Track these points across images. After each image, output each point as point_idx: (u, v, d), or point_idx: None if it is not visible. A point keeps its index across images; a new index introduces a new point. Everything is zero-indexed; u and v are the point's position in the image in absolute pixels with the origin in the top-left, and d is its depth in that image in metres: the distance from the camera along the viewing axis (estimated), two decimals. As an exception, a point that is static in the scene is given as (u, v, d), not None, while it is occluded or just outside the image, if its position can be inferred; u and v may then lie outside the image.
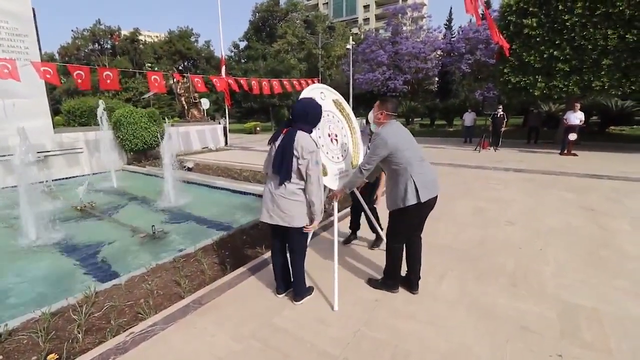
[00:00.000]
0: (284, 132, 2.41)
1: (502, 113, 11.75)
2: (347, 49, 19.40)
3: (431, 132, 20.57)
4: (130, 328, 2.39)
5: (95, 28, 42.27)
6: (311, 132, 2.46)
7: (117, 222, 5.51)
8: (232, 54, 42.48)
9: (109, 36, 43.27)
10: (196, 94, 15.62)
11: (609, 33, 9.92)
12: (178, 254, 3.69)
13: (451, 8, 37.49)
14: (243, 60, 38.14)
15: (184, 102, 15.58)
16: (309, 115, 2.43)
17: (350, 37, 18.07)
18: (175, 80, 15.54)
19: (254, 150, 13.92)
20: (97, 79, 9.40)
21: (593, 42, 10.24)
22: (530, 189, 6.13)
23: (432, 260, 3.24)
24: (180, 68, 43.61)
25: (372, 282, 2.93)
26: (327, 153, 3.02)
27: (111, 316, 2.57)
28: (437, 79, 26.95)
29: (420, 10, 28.04)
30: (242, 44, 42.64)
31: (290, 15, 38.36)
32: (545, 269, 3.14)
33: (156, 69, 37.64)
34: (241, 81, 14.59)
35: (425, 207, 2.57)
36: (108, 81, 9.61)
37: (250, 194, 6.94)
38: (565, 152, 9.98)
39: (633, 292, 2.72)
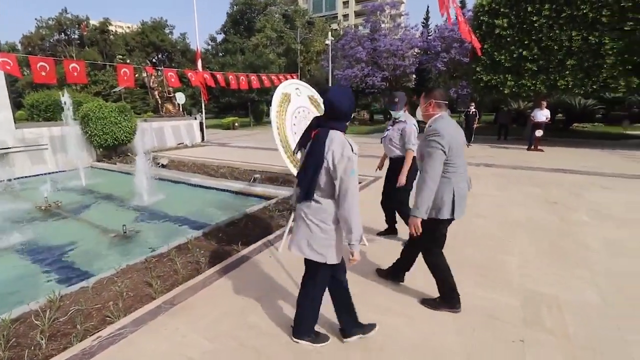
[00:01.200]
0: (313, 134, 1.90)
1: (474, 110, 12.14)
2: (326, 44, 19.36)
3: (409, 128, 20.96)
4: (97, 332, 2.31)
5: (61, 17, 39.89)
6: (344, 130, 1.91)
7: (86, 222, 5.28)
8: (209, 47, 41.39)
9: (77, 26, 40.97)
10: (170, 88, 15.14)
11: (573, 35, 10.45)
12: (150, 254, 3.59)
13: (428, 7, 38.15)
14: (220, 54, 37.24)
15: (157, 97, 15.08)
16: (344, 107, 1.83)
17: (330, 33, 18.05)
18: (147, 73, 14.98)
19: (231, 146, 13.68)
20: (64, 72, 8.91)
21: (559, 43, 10.75)
22: (499, 184, 6.40)
23: (405, 254, 3.32)
24: (154, 60, 42.04)
25: (429, 303, 2.56)
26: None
27: (77, 320, 2.46)
28: (414, 76, 27.41)
29: (398, 8, 28.37)
30: (220, 37, 41.64)
31: (269, 9, 37.77)
32: (511, 259, 3.30)
33: (128, 61, 36.12)
34: (218, 76, 14.25)
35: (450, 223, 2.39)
36: (75, 74, 9.13)
37: (227, 190, 6.84)
38: (532, 147, 10.48)
39: (591, 280, 2.90)
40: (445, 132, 2.23)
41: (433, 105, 2.40)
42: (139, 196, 6.28)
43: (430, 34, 25.40)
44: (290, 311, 2.53)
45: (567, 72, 10.74)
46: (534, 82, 11.33)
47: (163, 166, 9.09)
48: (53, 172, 9.07)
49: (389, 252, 3.32)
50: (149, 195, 6.31)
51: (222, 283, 2.95)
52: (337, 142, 1.80)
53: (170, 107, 15.27)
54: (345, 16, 60.67)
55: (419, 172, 2.46)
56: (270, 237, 3.92)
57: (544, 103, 10.56)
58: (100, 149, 10.28)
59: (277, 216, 4.86)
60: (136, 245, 4.37)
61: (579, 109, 17.39)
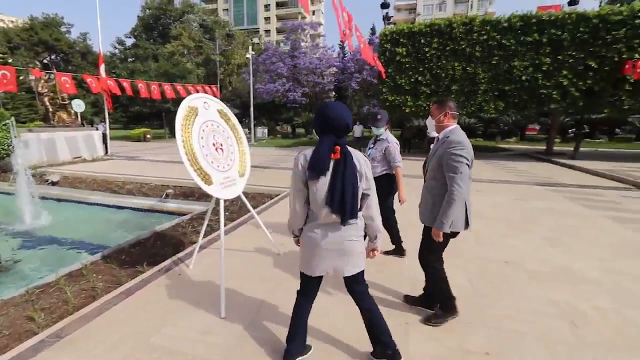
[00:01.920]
0: (334, 156, 1.76)
1: (383, 126, 13.53)
2: (247, 58, 19.36)
3: (329, 142, 22.17)
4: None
5: None
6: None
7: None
8: (117, 51, 37.48)
9: None
10: (64, 95, 13.25)
11: (455, 65, 12.57)
12: (33, 285, 3.14)
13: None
14: (130, 59, 34.01)
15: (47, 104, 13.01)
16: (349, 121, 1.81)
17: (250, 47, 18.10)
18: (34, 77, 12.87)
19: (141, 160, 12.57)
20: None
21: (445, 71, 12.80)
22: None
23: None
24: (45, 62, 36.19)
25: (432, 320, 2.52)
26: (212, 162, 3.07)
27: None
28: (333, 93, 29.14)
29: (317, 29, 30.02)
30: (129, 41, 38.08)
31: (186, 17, 36.10)
32: (403, 260, 3.80)
33: (10, 60, 30.42)
34: (124, 83, 13.05)
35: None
36: None
37: (134, 209, 6.31)
38: (431, 159, 12.13)
39: (462, 266, 3.52)
40: (467, 144, 2.20)
41: (448, 116, 2.34)
42: (19, 220, 5.37)
43: (345, 55, 27.47)
44: (197, 325, 2.51)
45: (453, 96, 12.85)
46: (428, 103, 13.21)
47: (53, 183, 7.89)
48: None
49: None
50: (33, 218, 5.44)
51: (121, 308, 2.75)
52: (357, 153, 1.84)
53: (65, 116, 13.30)
54: (267, 31, 61.58)
55: (426, 182, 2.52)
56: (181, 254, 3.78)
57: (437, 121, 12.37)
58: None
59: (191, 232, 4.70)
60: (16, 277, 3.74)
61: (465, 126, 20.80)
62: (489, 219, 5.30)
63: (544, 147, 16.27)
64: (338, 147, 1.75)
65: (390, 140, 3.59)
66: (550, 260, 3.70)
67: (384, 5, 14.92)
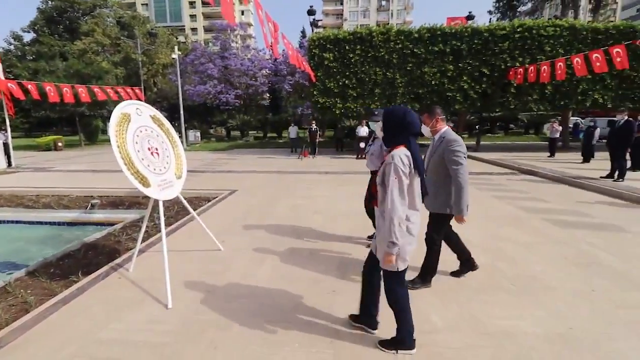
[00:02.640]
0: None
1: (315, 127, 14.26)
2: (173, 58, 18.47)
3: (264, 143, 22.43)
4: None
5: None
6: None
7: None
8: (12, 47, 32.30)
9: None
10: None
11: (377, 70, 13.84)
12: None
13: (274, 32, 41.43)
14: (31, 57, 29.60)
15: None
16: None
17: (177, 47, 17.26)
18: None
19: (55, 171, 11.33)
20: None
21: (369, 75, 14.01)
22: (333, 185, 7.96)
23: (259, 250, 3.94)
24: None
25: (410, 284, 2.93)
26: (149, 166, 3.24)
27: None
28: (268, 94, 29.23)
29: (246, 30, 29.79)
30: (28, 36, 33.11)
31: (99, 11, 32.66)
32: (334, 242, 4.36)
33: None
34: (29, 86, 11.59)
35: None
36: None
37: (56, 223, 5.89)
38: (359, 156, 13.21)
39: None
40: (461, 141, 2.71)
41: (439, 120, 2.82)
42: None
43: (277, 58, 27.81)
44: (145, 317, 2.69)
45: (376, 98, 14.14)
46: (355, 105, 14.32)
47: (-56, 202, 6.84)
48: None
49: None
50: None
51: (60, 314, 2.76)
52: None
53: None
54: (194, 30, 58.71)
55: (427, 176, 2.74)
56: (118, 260, 3.79)
57: (364, 122, 13.50)
58: None
59: (126, 240, 4.66)
60: None
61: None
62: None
63: (455, 142, 18.75)
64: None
65: None
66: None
67: (310, 12, 15.65)
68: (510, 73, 13.65)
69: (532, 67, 12.43)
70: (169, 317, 2.71)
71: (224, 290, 3.12)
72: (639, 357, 2.22)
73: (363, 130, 13.15)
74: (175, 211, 5.78)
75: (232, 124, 26.22)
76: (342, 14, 62.06)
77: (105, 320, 2.68)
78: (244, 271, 3.51)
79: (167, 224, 5.09)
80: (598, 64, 9.49)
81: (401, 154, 2.01)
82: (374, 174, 3.76)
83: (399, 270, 2.12)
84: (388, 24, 14.19)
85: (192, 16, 59.31)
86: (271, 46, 6.13)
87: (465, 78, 13.90)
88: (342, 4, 61.78)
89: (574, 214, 5.51)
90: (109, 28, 23.51)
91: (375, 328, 2.45)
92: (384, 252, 2.06)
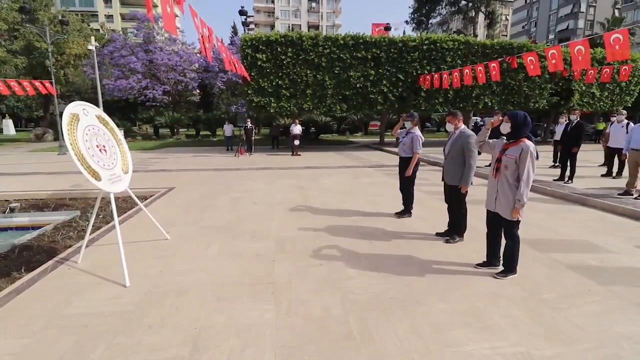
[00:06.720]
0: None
1: (251, 125, 14.66)
2: (89, 49, 16.84)
3: (198, 142, 21.80)
4: None
5: None
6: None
7: None
8: None
9: None
10: None
11: (308, 72, 14.77)
12: None
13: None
14: None
15: None
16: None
17: (93, 37, 15.71)
18: None
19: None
20: None
21: (300, 77, 14.88)
22: (270, 180, 8.63)
23: (204, 236, 4.45)
24: None
25: (450, 240, 4.23)
26: (99, 162, 3.54)
27: None
28: (198, 91, 28.18)
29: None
30: None
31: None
32: (272, 225, 5.06)
33: None
34: None
35: None
36: None
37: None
38: (293, 153, 14.03)
39: (313, 227, 5.01)
40: (473, 135, 3.93)
41: (460, 120, 4.16)
42: None
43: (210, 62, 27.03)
44: (105, 295, 3.06)
45: (308, 99, 15.10)
46: (289, 104, 15.08)
47: None
48: None
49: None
50: None
51: (17, 302, 2.94)
52: None
53: None
54: (109, 17, 53.02)
55: (447, 159, 4.23)
56: (63, 254, 3.90)
57: (297, 120, 14.36)
58: None
59: (62, 238, 4.72)
60: None
61: (322, 124, 24.16)
62: (332, 193, 7.20)
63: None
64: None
65: (417, 133, 5.04)
66: (366, 211, 5.70)
67: (242, 13, 15.86)
68: (420, 79, 15.80)
69: (437, 75, 14.65)
70: (129, 293, 3.10)
71: (176, 268, 3.60)
72: None
73: (297, 129, 13.98)
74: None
75: (160, 121, 24.77)
76: (273, 12, 62.07)
77: (67, 301, 2.95)
78: (192, 253, 4.00)
79: (105, 222, 5.20)
80: (480, 75, 11.81)
81: (531, 143, 3.02)
82: (402, 160, 5.18)
83: (520, 219, 3.16)
84: (319, 25, 15.15)
85: (107, 1, 53.35)
86: (205, 49, 6.50)
87: (385, 82, 15.67)
88: (272, 2, 61.81)
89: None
90: (4, 11, 20.08)
91: (499, 265, 3.46)
92: (513, 209, 3.06)
